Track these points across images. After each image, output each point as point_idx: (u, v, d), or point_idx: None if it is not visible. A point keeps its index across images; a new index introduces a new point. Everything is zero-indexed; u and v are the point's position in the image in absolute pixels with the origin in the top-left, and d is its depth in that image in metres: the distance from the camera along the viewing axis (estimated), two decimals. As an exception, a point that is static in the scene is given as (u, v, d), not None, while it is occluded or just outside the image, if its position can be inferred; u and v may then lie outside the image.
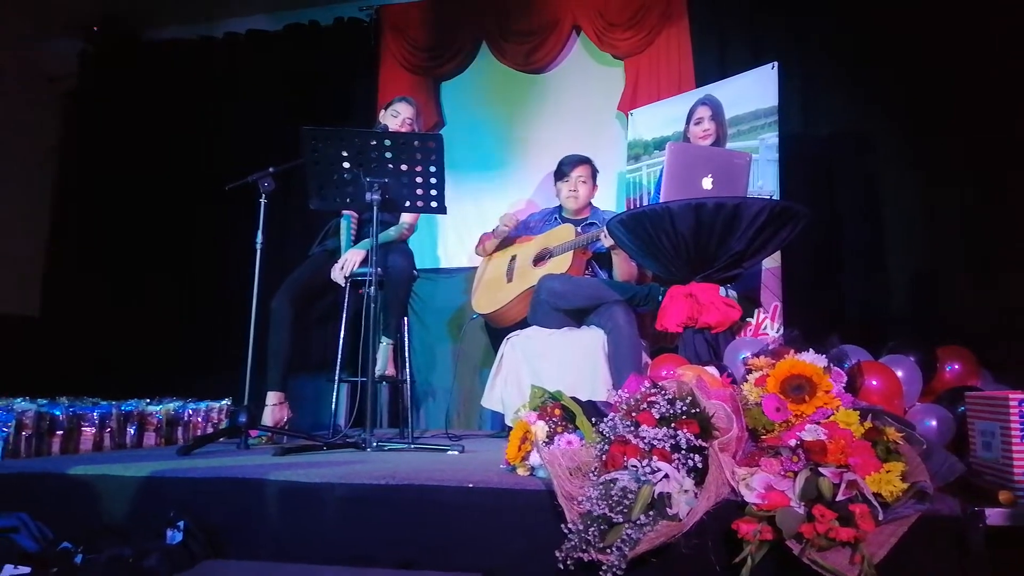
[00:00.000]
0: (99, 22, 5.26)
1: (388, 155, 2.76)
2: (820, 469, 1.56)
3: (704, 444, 1.66)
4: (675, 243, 2.58)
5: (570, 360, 3.21)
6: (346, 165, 2.78)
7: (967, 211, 3.59)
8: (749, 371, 1.96)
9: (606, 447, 1.73)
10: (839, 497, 1.51)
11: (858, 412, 1.71)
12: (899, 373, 2.29)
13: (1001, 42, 3.51)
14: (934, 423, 2.22)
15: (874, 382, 2.14)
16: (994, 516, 1.58)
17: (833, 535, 1.47)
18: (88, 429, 2.74)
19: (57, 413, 2.65)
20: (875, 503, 1.51)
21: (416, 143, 2.78)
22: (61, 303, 4.99)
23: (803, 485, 1.54)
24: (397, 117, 3.59)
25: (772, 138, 3.54)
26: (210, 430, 3.22)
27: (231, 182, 3.07)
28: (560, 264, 3.53)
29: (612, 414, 1.80)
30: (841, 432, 1.64)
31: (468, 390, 4.39)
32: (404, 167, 2.78)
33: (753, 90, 3.64)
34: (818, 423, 1.68)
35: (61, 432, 2.65)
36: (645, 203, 3.86)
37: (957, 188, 3.63)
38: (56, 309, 4.99)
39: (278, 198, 3.16)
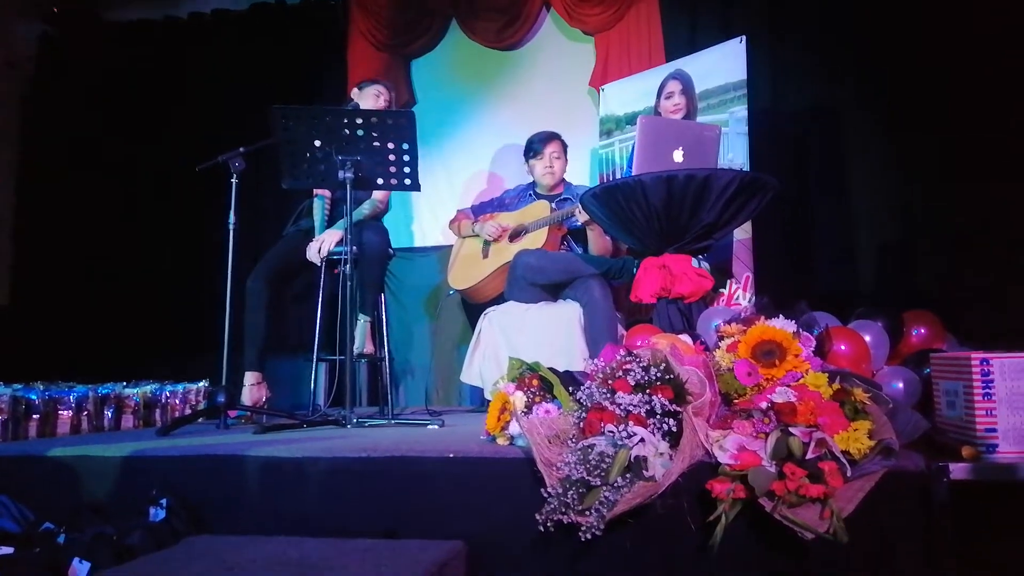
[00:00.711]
0: (58, 2, 5.15)
1: (360, 132, 2.75)
2: (790, 429, 1.61)
3: (678, 409, 1.70)
4: (647, 215, 2.62)
5: (547, 334, 3.24)
6: (317, 143, 2.77)
7: (933, 183, 3.65)
8: (721, 338, 2.00)
9: (583, 414, 1.76)
10: (809, 455, 1.57)
11: (827, 375, 1.77)
12: (867, 338, 2.34)
13: (964, 16, 3.56)
14: (901, 385, 2.28)
15: (842, 347, 2.19)
16: (958, 471, 1.64)
17: (803, 492, 1.52)
18: (65, 413, 2.72)
19: (33, 397, 2.63)
20: (843, 460, 1.57)
21: (388, 120, 2.77)
22: (31, 290, 4.92)
23: (774, 445, 1.59)
24: (379, 97, 3.57)
25: (741, 111, 3.58)
26: (188, 412, 3.21)
27: (201, 163, 3.05)
28: (535, 240, 3.55)
29: (589, 382, 1.83)
30: (810, 394, 1.69)
31: (446, 367, 4.41)
32: (376, 144, 2.78)
33: (722, 64, 3.67)
34: (788, 386, 1.74)
35: (37, 416, 2.62)
36: (618, 178, 3.88)
37: (923, 160, 3.68)
38: (26, 296, 4.92)
39: (250, 178, 3.14)
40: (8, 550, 1.64)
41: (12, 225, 5.04)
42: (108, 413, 2.93)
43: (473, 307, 3.89)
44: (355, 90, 3.68)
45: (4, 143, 5.03)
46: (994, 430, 1.71)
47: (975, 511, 1.64)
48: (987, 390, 1.72)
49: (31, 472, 2.09)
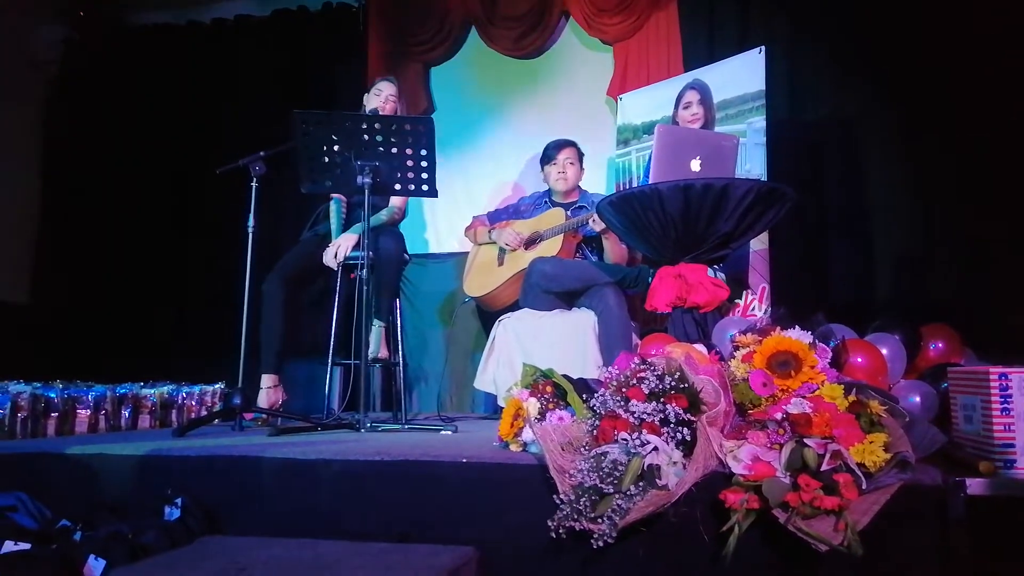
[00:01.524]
0: (84, 6, 5.22)
1: (379, 138, 2.77)
2: (805, 440, 1.60)
3: (692, 418, 1.70)
4: (664, 224, 2.61)
5: (561, 341, 3.24)
6: (337, 148, 2.79)
7: (952, 194, 3.63)
8: (736, 348, 2.00)
9: (597, 422, 1.76)
10: (823, 467, 1.55)
11: (842, 386, 1.75)
12: (884, 351, 2.32)
13: (984, 26, 3.54)
14: (918, 399, 2.27)
15: (859, 359, 2.18)
16: (975, 486, 1.62)
17: (818, 504, 1.51)
18: (83, 411, 2.76)
19: (52, 395, 2.67)
20: (858, 473, 1.55)
21: (407, 126, 2.79)
22: (51, 289, 4.97)
23: (789, 456, 1.58)
24: (380, 95, 3.58)
25: (759, 122, 3.58)
26: (204, 413, 3.24)
27: (221, 166, 3.08)
28: (550, 247, 3.55)
29: (602, 390, 1.83)
30: (826, 405, 1.68)
31: (460, 374, 4.42)
32: (395, 150, 2.79)
33: (740, 74, 3.67)
34: (803, 397, 1.72)
35: (56, 414, 2.66)
36: (635, 186, 3.88)
37: (942, 171, 3.66)
38: (46, 295, 4.97)
39: (270, 182, 3.16)
40: (25, 546, 1.66)
41: (36, 224, 5.10)
42: (125, 413, 2.96)
43: (488, 314, 3.90)
44: (366, 96, 3.70)
45: (28, 144, 5.10)
46: (1012, 445, 1.69)
47: (992, 527, 1.62)
48: (1005, 405, 1.70)
49: (49, 470, 2.11)
